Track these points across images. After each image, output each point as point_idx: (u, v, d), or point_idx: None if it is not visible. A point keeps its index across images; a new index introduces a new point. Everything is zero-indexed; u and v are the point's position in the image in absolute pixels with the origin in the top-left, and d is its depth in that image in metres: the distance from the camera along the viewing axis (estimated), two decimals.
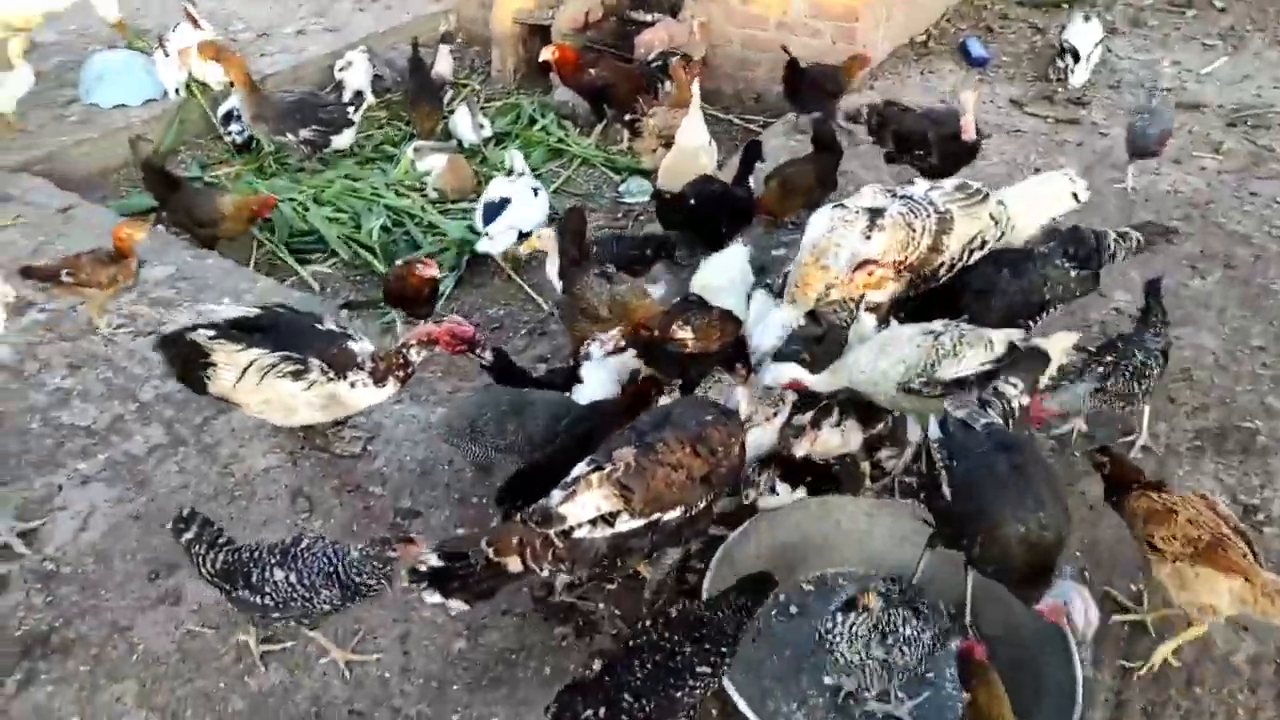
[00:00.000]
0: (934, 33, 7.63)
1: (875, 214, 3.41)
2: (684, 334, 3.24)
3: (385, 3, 8.18)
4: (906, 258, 3.38)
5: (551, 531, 2.40)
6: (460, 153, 6.06)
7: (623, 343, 3.34)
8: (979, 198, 3.50)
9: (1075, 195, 3.73)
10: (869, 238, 3.37)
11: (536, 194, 5.17)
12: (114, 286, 4.12)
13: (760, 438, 3.21)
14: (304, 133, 5.75)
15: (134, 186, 5.73)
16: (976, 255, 3.54)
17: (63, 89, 6.48)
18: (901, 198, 3.46)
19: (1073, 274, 3.54)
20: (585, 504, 2.42)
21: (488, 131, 6.23)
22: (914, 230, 3.36)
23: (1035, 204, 3.68)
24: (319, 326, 3.30)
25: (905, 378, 3.05)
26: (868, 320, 3.40)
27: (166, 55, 6.34)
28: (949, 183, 3.57)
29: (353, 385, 3.22)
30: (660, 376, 3.21)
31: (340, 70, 6.84)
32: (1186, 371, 4.02)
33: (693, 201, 4.67)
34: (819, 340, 3.70)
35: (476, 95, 7.05)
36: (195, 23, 6.62)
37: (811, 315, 3.54)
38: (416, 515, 3.33)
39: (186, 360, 3.20)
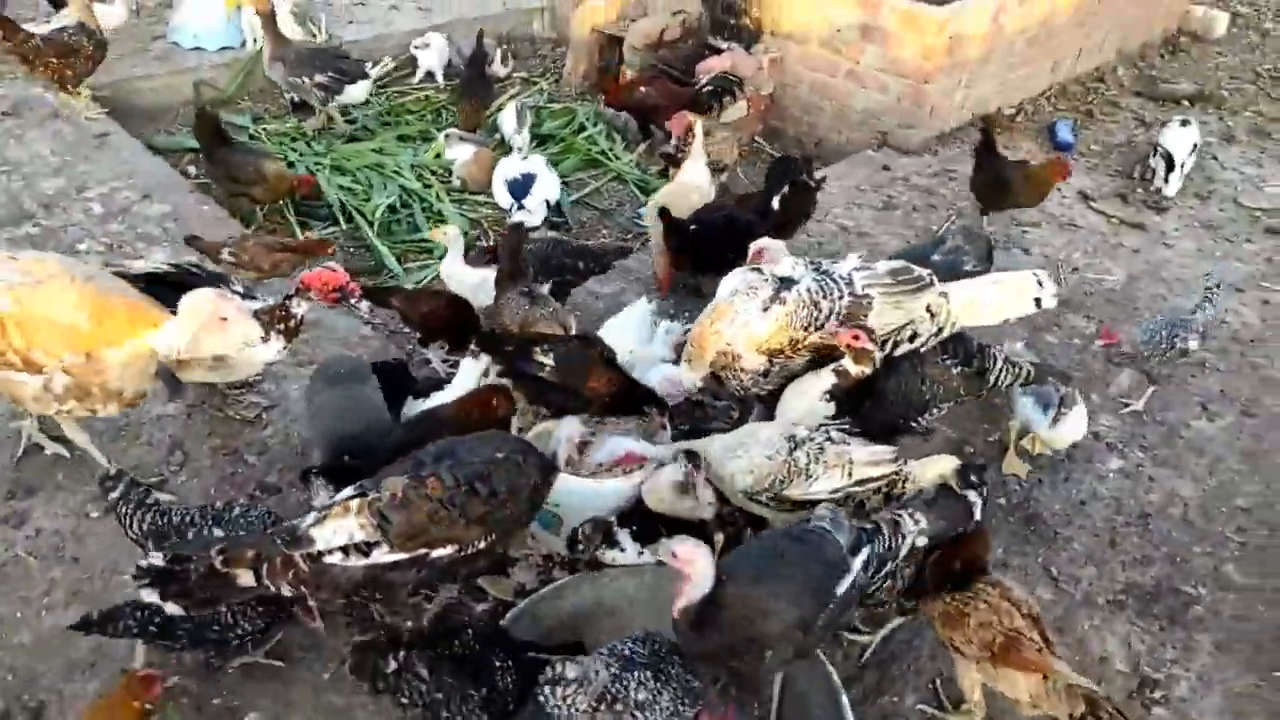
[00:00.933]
0: (1027, 108, 7.19)
1: (784, 285, 3.19)
2: (544, 359, 3.10)
3: None
4: (805, 337, 3.13)
5: (298, 553, 2.29)
6: (494, 149, 6.07)
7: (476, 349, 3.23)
8: (914, 286, 3.22)
9: (1038, 300, 3.39)
10: (767, 309, 3.16)
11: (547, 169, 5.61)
12: (272, 273, 4.14)
13: (619, 489, 3.05)
14: (319, 77, 5.87)
15: (185, 127, 5.99)
16: (904, 349, 3.26)
17: (157, 25, 6.87)
18: (820, 273, 3.22)
19: (955, 371, 3.24)
20: (338, 530, 2.31)
21: (523, 139, 6.21)
22: (818, 309, 3.12)
23: (986, 302, 3.36)
24: (226, 289, 3.33)
25: (752, 488, 2.84)
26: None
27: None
28: (884, 265, 3.30)
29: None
30: (515, 394, 3.09)
31: (416, 48, 7.04)
32: (1145, 519, 3.60)
33: (693, 226, 4.52)
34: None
35: (538, 95, 7.08)
36: None
37: (715, 378, 3.33)
38: (276, 491, 3.34)
39: None
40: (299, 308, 3.24)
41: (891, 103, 6.28)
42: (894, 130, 6.35)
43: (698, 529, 2.96)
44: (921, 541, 2.64)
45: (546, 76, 7.50)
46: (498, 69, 6.72)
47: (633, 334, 3.77)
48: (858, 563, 2.46)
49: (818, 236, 5.33)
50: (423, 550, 2.35)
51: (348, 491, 2.41)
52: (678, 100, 6.12)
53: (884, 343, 3.20)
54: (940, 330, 3.29)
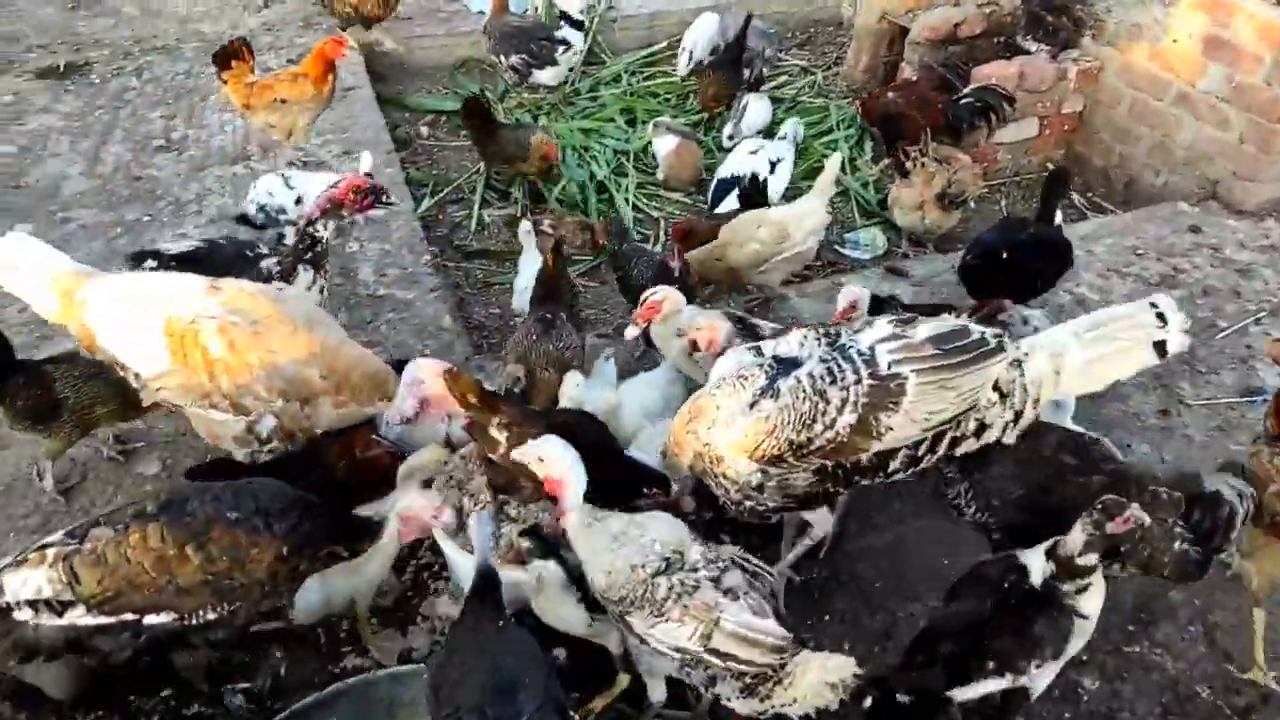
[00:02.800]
0: None
1: (783, 370, 2.34)
2: (497, 434, 2.59)
3: None
4: (810, 439, 2.28)
5: None
6: (699, 141, 5.52)
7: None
8: (969, 355, 2.21)
9: (1161, 346, 2.21)
10: (754, 404, 2.34)
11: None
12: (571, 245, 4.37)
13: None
14: (513, 58, 5.77)
15: (447, 90, 6.24)
16: (967, 447, 2.29)
17: None
18: (831, 348, 2.31)
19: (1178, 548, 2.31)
20: (28, 581, 2.03)
21: (753, 143, 5.52)
22: (824, 402, 2.24)
23: (1082, 363, 2.24)
24: (249, 253, 3.33)
25: (603, 592, 2.16)
26: None
27: None
28: (926, 328, 2.28)
29: None
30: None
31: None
32: None
33: (1004, 255, 3.68)
34: None
35: (805, 88, 6.34)
36: None
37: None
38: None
39: None
40: (325, 231, 3.15)
41: (1230, 143, 4.64)
42: (1227, 180, 4.70)
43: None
44: None
45: (829, 67, 6.69)
46: (755, 45, 6.06)
47: (651, 401, 3.12)
48: None
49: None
50: (129, 615, 2.04)
51: (56, 535, 2.14)
52: (928, 113, 5.07)
53: (929, 442, 2.28)
54: (1019, 416, 2.27)
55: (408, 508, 2.38)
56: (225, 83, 4.64)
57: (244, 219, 4.11)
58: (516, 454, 2.30)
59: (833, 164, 3.92)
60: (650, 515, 2.32)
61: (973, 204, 4.86)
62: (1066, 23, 5.39)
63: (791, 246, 3.88)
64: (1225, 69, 4.54)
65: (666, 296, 3.05)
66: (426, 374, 2.72)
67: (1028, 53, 5.56)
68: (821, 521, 2.73)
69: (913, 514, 3.11)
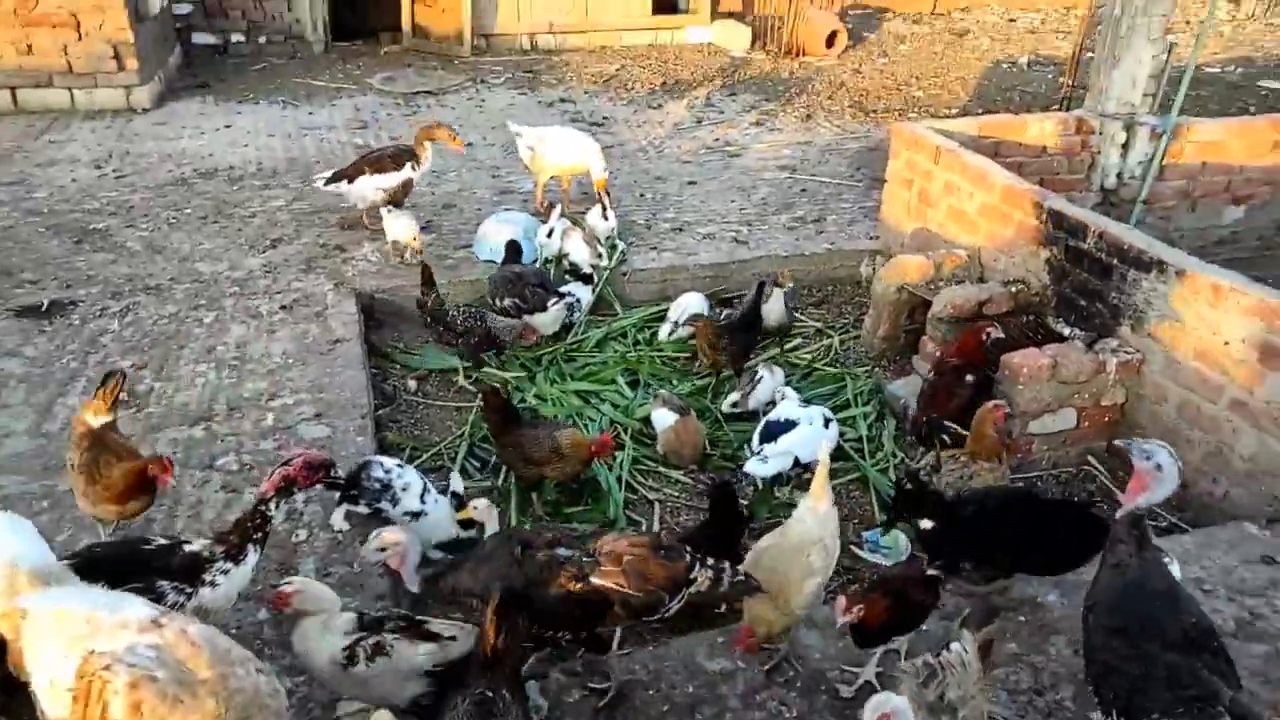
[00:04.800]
0: None
1: None
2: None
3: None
4: None
5: None
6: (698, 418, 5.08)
7: None
8: None
9: None
10: None
11: (828, 424, 4.78)
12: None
13: None
14: (506, 301, 5.62)
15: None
16: None
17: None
18: None
19: None
20: None
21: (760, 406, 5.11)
22: None
23: None
24: (146, 547, 2.93)
25: None
26: None
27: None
28: None
29: (213, 585, 2.87)
30: None
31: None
32: None
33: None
34: None
35: (819, 350, 5.99)
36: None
37: None
38: None
39: None
40: (276, 509, 3.05)
41: None
42: None
43: None
44: None
45: (847, 329, 6.37)
46: (775, 311, 5.76)
47: None
48: None
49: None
50: None
51: None
52: (952, 397, 4.62)
53: None
54: None
55: None
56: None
57: None
58: None
59: (824, 458, 3.26)
60: None
61: None
62: (1102, 309, 5.04)
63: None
64: None
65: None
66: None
67: (1061, 336, 5.20)
68: None
69: None
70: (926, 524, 3.33)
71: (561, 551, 2.85)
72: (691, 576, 2.83)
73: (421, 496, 3.77)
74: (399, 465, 3.87)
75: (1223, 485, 4.48)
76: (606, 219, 6.80)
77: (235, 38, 12.52)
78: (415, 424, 5.22)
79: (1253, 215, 7.16)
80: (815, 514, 3.08)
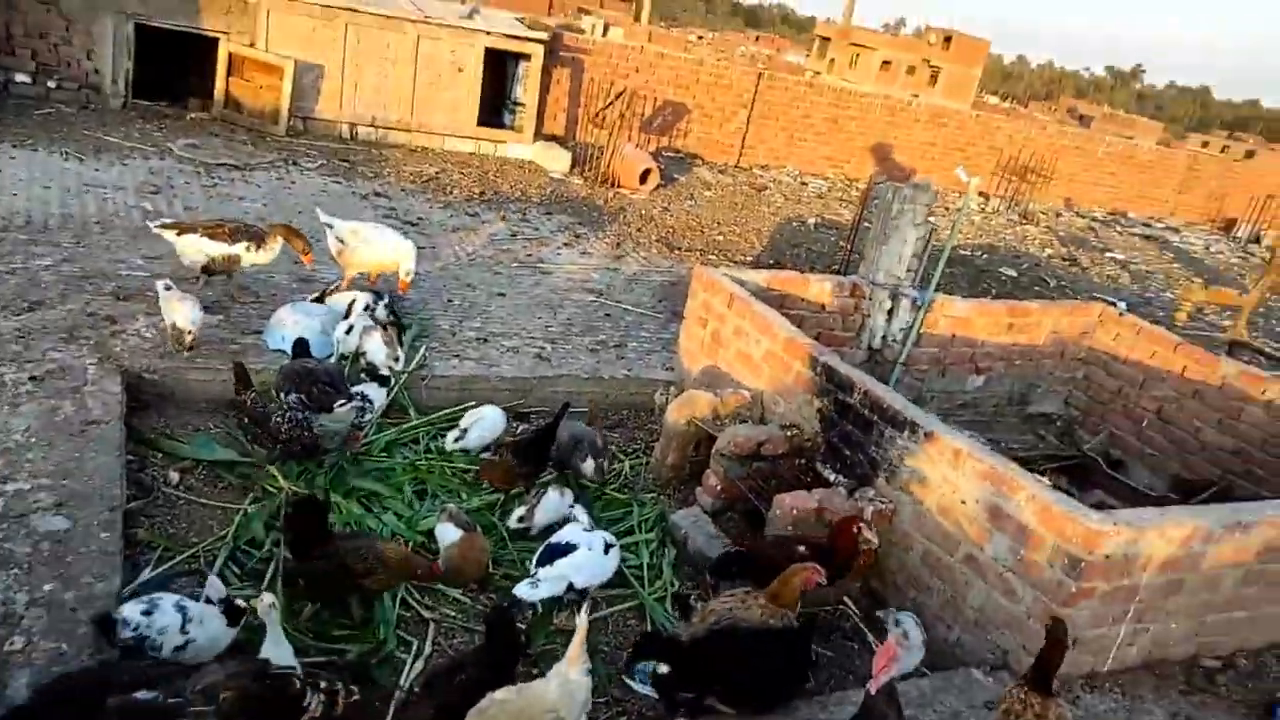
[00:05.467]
0: (1241, 663, 5.12)
1: None
2: None
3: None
4: None
5: None
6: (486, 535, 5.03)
7: None
8: None
9: None
10: None
11: (608, 550, 4.79)
12: None
13: None
14: (290, 397, 5.38)
15: (217, 431, 5.58)
16: None
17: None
18: None
19: None
20: None
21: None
22: None
23: None
24: None
25: None
26: None
27: None
28: None
29: None
30: None
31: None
32: None
33: None
34: None
35: (599, 475, 6.11)
36: None
37: None
38: None
39: None
40: None
41: (1019, 615, 4.59)
42: (1017, 652, 4.59)
43: None
44: None
45: (637, 455, 6.57)
46: (579, 443, 5.81)
47: None
48: None
49: None
50: None
51: None
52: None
53: None
54: None
55: None
56: None
57: None
58: None
59: (582, 622, 3.30)
60: None
61: None
62: (863, 460, 5.52)
63: None
64: (1011, 541, 4.62)
65: None
66: None
67: (827, 482, 5.62)
68: None
69: None
70: (663, 668, 3.39)
71: (141, 695, 2.62)
72: (305, 704, 2.72)
73: (183, 627, 3.45)
74: (143, 609, 3.50)
75: (955, 631, 4.94)
76: (390, 346, 6.35)
77: (20, 77, 11.57)
78: (172, 520, 4.79)
79: (990, 385, 8.19)
80: (561, 680, 3.07)
